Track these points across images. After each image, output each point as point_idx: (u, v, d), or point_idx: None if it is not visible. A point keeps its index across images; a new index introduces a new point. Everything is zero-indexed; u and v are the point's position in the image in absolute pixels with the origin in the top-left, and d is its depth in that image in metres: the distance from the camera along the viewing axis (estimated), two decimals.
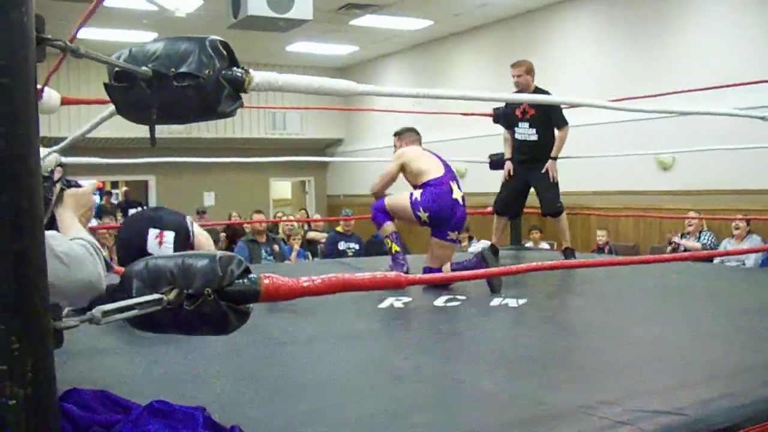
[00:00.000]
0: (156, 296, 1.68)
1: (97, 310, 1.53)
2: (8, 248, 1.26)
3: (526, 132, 6.77)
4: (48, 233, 1.81)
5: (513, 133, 6.86)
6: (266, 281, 1.77)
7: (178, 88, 1.80)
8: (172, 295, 1.69)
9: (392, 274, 2.12)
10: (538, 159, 6.69)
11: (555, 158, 6.73)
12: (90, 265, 1.83)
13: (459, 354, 3.27)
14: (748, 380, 2.70)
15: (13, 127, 1.26)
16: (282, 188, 20.31)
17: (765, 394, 2.51)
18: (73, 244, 1.87)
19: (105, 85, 1.90)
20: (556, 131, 6.76)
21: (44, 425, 1.31)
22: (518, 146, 6.84)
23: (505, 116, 6.84)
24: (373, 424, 2.34)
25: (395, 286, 2.14)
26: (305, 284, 1.84)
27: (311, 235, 12.29)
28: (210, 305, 1.70)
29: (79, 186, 2.17)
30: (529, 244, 10.29)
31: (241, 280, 1.74)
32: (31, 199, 1.28)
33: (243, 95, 1.92)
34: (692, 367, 2.97)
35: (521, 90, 6.57)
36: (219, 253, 1.79)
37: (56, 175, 2.16)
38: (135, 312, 1.65)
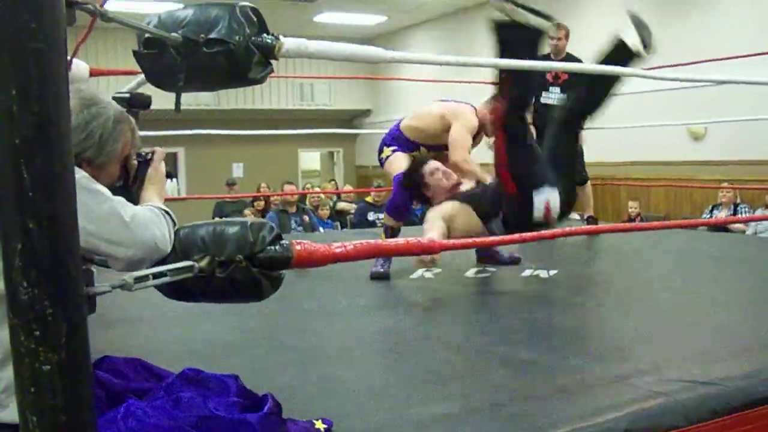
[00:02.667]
0: (188, 263, 1.68)
1: (129, 276, 1.53)
2: (42, 213, 1.25)
3: (558, 97, 6.65)
4: (117, 200, 1.82)
5: (538, 97, 6.68)
6: (298, 247, 1.75)
7: (208, 55, 1.79)
8: (204, 263, 1.69)
9: (425, 238, 2.11)
10: None
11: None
12: (156, 228, 1.83)
13: (491, 325, 3.26)
14: None
15: (46, 91, 1.25)
16: (311, 159, 20.31)
17: None
18: (139, 209, 1.87)
19: (134, 52, 1.89)
20: None
21: (79, 391, 1.31)
22: (545, 112, 6.59)
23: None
24: (405, 394, 2.33)
25: (428, 251, 2.13)
26: (337, 250, 1.82)
27: (341, 205, 12.28)
28: (242, 272, 1.69)
29: (150, 157, 2.17)
30: None
31: (272, 247, 1.73)
32: (63, 163, 1.27)
33: (273, 65, 1.91)
34: (727, 336, 2.93)
35: (556, 53, 6.52)
36: (250, 219, 1.78)
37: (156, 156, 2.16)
38: (167, 279, 1.65)
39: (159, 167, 2.14)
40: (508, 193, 3.80)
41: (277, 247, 1.73)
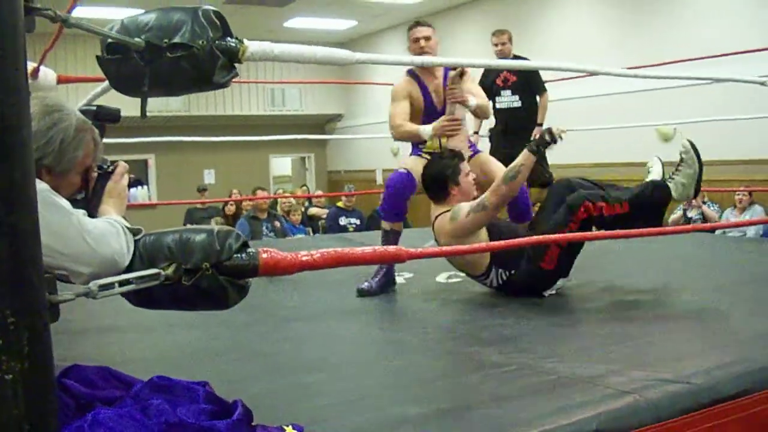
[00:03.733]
0: (154, 271, 1.67)
1: (94, 284, 1.52)
2: (2, 222, 1.24)
3: (509, 99, 6.76)
4: (78, 214, 1.80)
5: (494, 103, 6.75)
6: (265, 255, 1.75)
7: (172, 59, 1.78)
8: (170, 270, 1.68)
9: (392, 247, 2.10)
10: (523, 127, 6.69)
11: (541, 125, 6.75)
12: (114, 242, 1.82)
13: (463, 327, 3.26)
14: (752, 348, 2.69)
15: (5, 98, 1.24)
16: (282, 165, 20.26)
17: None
18: (100, 223, 1.86)
19: (97, 57, 1.88)
20: (537, 98, 6.84)
21: (42, 399, 1.30)
22: (501, 116, 6.80)
23: (484, 87, 6.44)
24: (378, 397, 2.33)
25: (395, 260, 2.12)
26: (304, 258, 1.82)
27: (312, 211, 12.26)
28: (208, 280, 1.69)
29: (111, 170, 2.14)
30: None
31: (239, 255, 1.72)
32: (24, 172, 1.26)
33: (243, 71, 1.90)
34: (698, 336, 2.96)
35: (502, 58, 6.63)
36: (217, 227, 1.77)
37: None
38: (132, 286, 1.64)
39: (120, 181, 2.11)
40: (542, 265, 3.71)
41: (244, 256, 1.73)
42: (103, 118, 2.16)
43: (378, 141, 15.65)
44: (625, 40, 10.94)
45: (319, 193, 15.20)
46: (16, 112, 1.25)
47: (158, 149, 15.86)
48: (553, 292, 3.82)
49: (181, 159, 16.08)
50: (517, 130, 6.70)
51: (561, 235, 3.48)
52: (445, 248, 3.29)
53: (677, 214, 9.56)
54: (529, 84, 6.77)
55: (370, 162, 16.38)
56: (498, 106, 6.77)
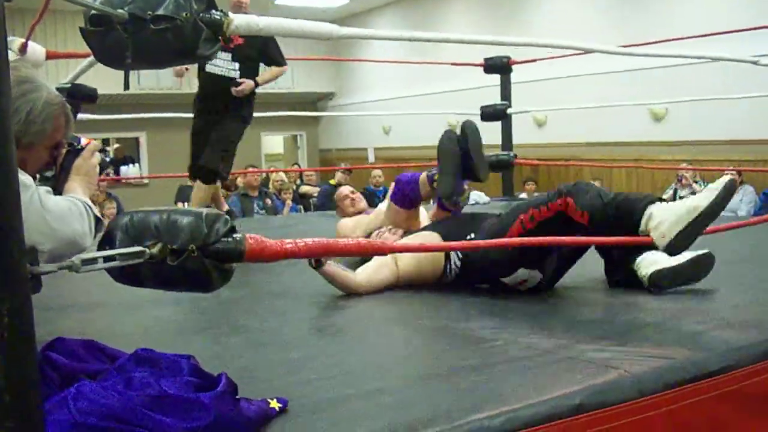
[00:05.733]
0: (138, 249, 1.67)
1: (77, 258, 1.52)
2: None
3: (226, 65, 5.30)
4: (41, 191, 1.80)
5: (203, 66, 5.32)
6: (251, 241, 1.76)
7: (155, 32, 1.78)
8: (155, 249, 1.68)
9: (376, 241, 2.11)
10: (231, 102, 5.32)
11: (258, 84, 5.43)
12: (75, 222, 1.82)
13: (448, 304, 3.24)
14: (736, 325, 2.70)
15: None
16: (274, 143, 20.23)
17: (757, 336, 2.50)
18: (60, 200, 1.85)
19: (81, 29, 1.87)
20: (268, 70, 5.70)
21: (23, 371, 1.30)
22: (208, 83, 5.36)
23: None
24: (361, 372, 2.33)
25: (378, 253, 2.12)
26: (289, 247, 1.83)
27: (304, 189, 12.26)
28: (193, 262, 1.69)
29: (81, 147, 2.13)
30: (523, 196, 10.26)
31: (226, 239, 1.73)
32: (2, 141, 1.25)
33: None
34: (683, 313, 2.96)
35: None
36: (205, 210, 1.77)
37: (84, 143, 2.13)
38: (116, 263, 1.64)
39: (90, 158, 2.10)
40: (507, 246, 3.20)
41: (230, 240, 1.73)
42: (79, 96, 2.16)
43: (370, 119, 15.71)
44: (617, 19, 10.92)
45: (310, 168, 15.20)
46: None
47: (150, 127, 15.82)
48: (525, 280, 3.37)
49: (173, 137, 15.92)
50: (223, 103, 5.33)
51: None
52: (432, 244, 3.29)
53: (668, 194, 9.59)
54: (260, 54, 5.49)
55: (361, 140, 16.38)
56: (207, 69, 5.30)
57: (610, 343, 2.47)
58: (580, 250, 3.38)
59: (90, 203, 1.95)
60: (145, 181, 15.87)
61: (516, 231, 3.18)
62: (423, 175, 3.88)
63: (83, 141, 2.13)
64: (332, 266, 3.40)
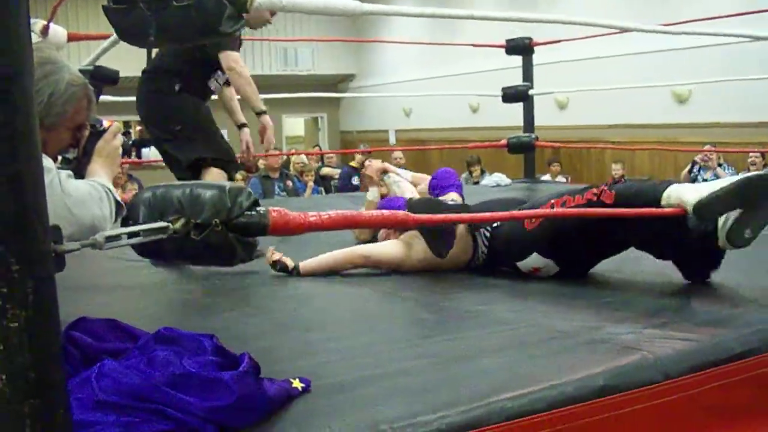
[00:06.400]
0: (162, 224, 1.66)
1: (100, 235, 1.52)
2: (5, 170, 1.23)
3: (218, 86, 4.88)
4: (62, 174, 1.80)
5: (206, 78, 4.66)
6: (275, 215, 1.75)
7: (178, 8, 1.77)
8: (178, 224, 1.68)
9: (400, 212, 2.10)
10: None
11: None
12: (95, 207, 1.82)
13: (470, 286, 3.23)
14: (763, 308, 2.68)
15: (7, 43, 1.22)
16: (295, 125, 20.22)
17: None
18: (80, 184, 1.85)
19: (104, 7, 1.87)
20: None
21: (48, 348, 1.30)
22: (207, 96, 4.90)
23: None
24: (381, 353, 2.33)
25: (402, 225, 2.11)
26: (312, 219, 1.82)
27: (325, 170, 12.26)
28: (217, 236, 1.69)
29: (103, 129, 2.13)
30: (546, 177, 10.22)
31: (249, 212, 1.72)
32: (26, 120, 1.25)
33: (256, 30, 1.88)
34: (709, 295, 2.94)
35: None
36: (228, 184, 1.77)
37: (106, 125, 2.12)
38: (140, 239, 1.63)
39: (111, 140, 2.09)
40: (526, 225, 3.21)
41: (254, 214, 1.73)
42: (101, 78, 2.15)
43: (391, 101, 15.67)
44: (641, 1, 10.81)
45: (329, 150, 15.20)
46: (18, 60, 1.23)
47: None
48: (539, 268, 3.31)
49: None
50: None
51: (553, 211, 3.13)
52: (454, 216, 3.24)
53: (684, 172, 9.51)
54: None
55: (383, 122, 16.36)
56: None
57: (634, 325, 2.45)
58: (610, 246, 3.27)
59: (111, 187, 1.95)
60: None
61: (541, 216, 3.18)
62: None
63: (105, 123, 2.13)
64: (309, 261, 3.46)
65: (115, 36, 2.06)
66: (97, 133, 2.08)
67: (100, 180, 1.96)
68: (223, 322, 2.71)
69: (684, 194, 2.70)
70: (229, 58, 4.10)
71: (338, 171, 11.92)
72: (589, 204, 2.97)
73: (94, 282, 3.42)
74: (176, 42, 1.99)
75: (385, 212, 2.03)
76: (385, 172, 4.25)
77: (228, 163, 4.52)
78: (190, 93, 4.29)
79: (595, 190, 3.01)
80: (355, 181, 10.39)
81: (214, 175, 4.41)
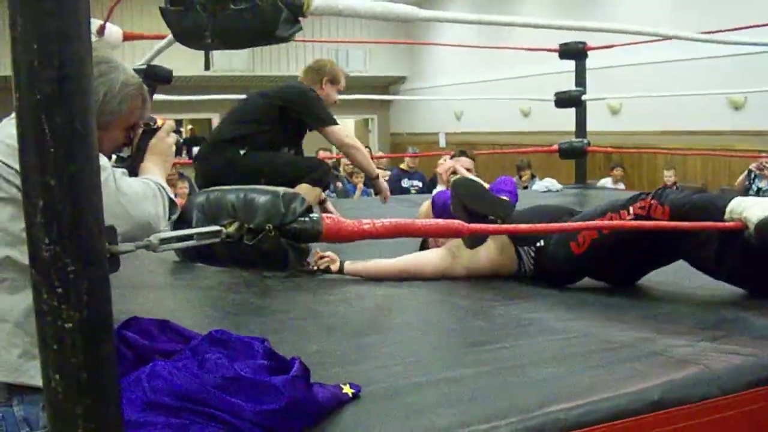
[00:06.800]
0: (215, 228, 1.66)
1: (155, 237, 1.51)
2: (63, 171, 1.24)
3: None
4: (117, 173, 1.80)
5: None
6: (328, 221, 1.74)
7: (235, 12, 1.77)
8: (231, 228, 1.67)
9: (454, 222, 2.07)
10: None
11: None
12: (149, 205, 1.82)
13: (522, 294, 3.19)
14: None
15: (66, 46, 1.23)
16: (345, 126, 20.25)
17: None
18: (135, 183, 1.85)
19: (161, 9, 1.87)
20: None
21: (101, 349, 1.30)
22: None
23: None
24: (433, 360, 2.31)
25: (455, 235, 2.09)
26: (366, 227, 1.81)
27: None
28: (270, 241, 1.68)
29: (156, 127, 2.13)
30: (604, 182, 10.08)
31: (303, 219, 1.71)
32: (84, 120, 1.25)
33: (306, 29, 1.87)
34: (763, 307, 2.87)
35: None
36: (282, 189, 1.76)
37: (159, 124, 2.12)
38: (193, 242, 1.63)
39: (165, 138, 2.09)
40: (571, 244, 3.14)
41: (307, 220, 1.71)
42: (154, 77, 2.16)
43: (442, 103, 15.63)
44: (699, 5, 10.65)
45: (381, 154, 15.19)
46: (77, 60, 1.24)
47: (222, 108, 15.89)
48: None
49: None
50: None
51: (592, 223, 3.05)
52: (504, 226, 3.19)
53: (742, 177, 9.33)
54: None
55: (433, 125, 16.30)
56: None
57: (690, 338, 2.40)
58: (656, 259, 3.18)
59: (164, 185, 1.95)
60: None
61: (590, 235, 3.09)
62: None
63: (159, 121, 2.13)
64: (356, 265, 3.47)
65: (170, 37, 2.06)
66: (151, 130, 2.08)
67: (153, 178, 1.96)
68: (273, 325, 2.71)
69: (749, 209, 2.61)
70: (338, 134, 4.20)
71: (388, 173, 11.90)
72: (639, 220, 2.89)
73: (143, 280, 3.44)
74: (232, 45, 1.98)
75: (440, 222, 2.00)
76: (454, 172, 4.23)
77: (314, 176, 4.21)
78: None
79: (641, 204, 2.93)
80: (405, 183, 10.36)
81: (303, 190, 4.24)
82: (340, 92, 4.49)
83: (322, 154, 10.57)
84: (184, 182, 10.52)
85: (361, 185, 10.48)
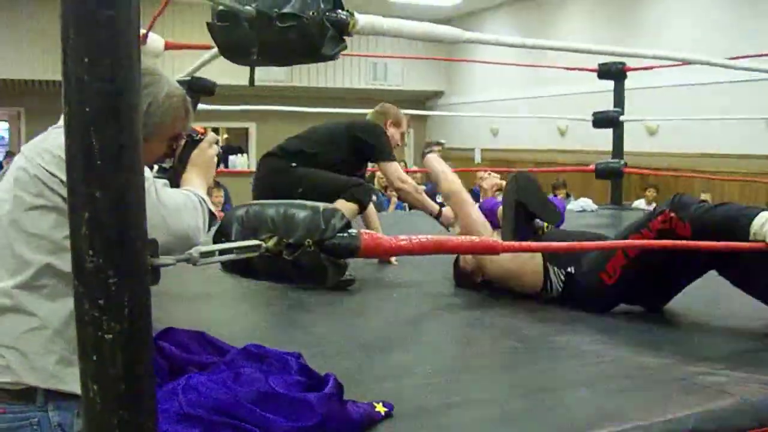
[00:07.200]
0: (255, 242, 1.66)
1: (195, 250, 1.52)
2: (110, 183, 1.25)
3: None
4: (158, 183, 1.82)
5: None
6: (366, 237, 1.74)
7: (281, 29, 1.77)
8: (271, 243, 1.67)
9: (490, 239, 2.07)
10: None
11: None
12: (189, 217, 1.84)
13: (550, 316, 3.16)
14: None
15: (117, 60, 1.24)
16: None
17: None
18: (176, 194, 1.87)
19: (208, 24, 1.88)
20: None
21: (139, 361, 1.31)
22: None
23: None
24: (466, 380, 2.30)
25: (491, 252, 2.09)
26: (403, 243, 1.81)
27: None
28: (309, 256, 1.68)
29: (199, 138, 2.14)
30: (638, 203, 10.01)
31: (342, 234, 1.71)
32: (132, 134, 1.26)
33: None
34: None
35: None
36: (322, 205, 1.76)
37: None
38: (233, 256, 1.64)
39: (207, 150, 2.10)
40: (601, 275, 3.10)
41: (346, 236, 1.71)
42: (198, 89, 2.17)
43: (478, 119, 15.60)
44: (743, 25, 10.54)
45: (415, 168, 15.18)
46: (126, 76, 1.25)
47: (259, 118, 16.04)
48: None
49: (281, 128, 16.02)
50: None
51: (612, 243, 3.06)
52: (536, 243, 3.18)
53: None
54: None
55: (469, 140, 16.27)
56: None
57: (725, 366, 2.37)
58: (687, 275, 3.12)
59: (205, 197, 1.96)
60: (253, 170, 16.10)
61: (619, 263, 3.05)
62: (500, 209, 3.79)
63: (200, 133, 2.15)
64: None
65: (215, 50, 2.08)
66: (193, 142, 2.09)
67: (195, 190, 1.97)
68: (307, 339, 2.72)
69: None
70: (394, 174, 4.27)
71: (423, 187, 11.90)
72: (662, 235, 2.85)
73: (181, 289, 3.46)
74: (278, 62, 1.99)
75: (475, 239, 2.00)
76: (499, 189, 4.25)
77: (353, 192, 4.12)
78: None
79: (661, 218, 2.88)
80: (439, 198, 10.35)
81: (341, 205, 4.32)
82: (402, 136, 4.66)
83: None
84: (219, 191, 10.61)
85: (395, 199, 10.49)
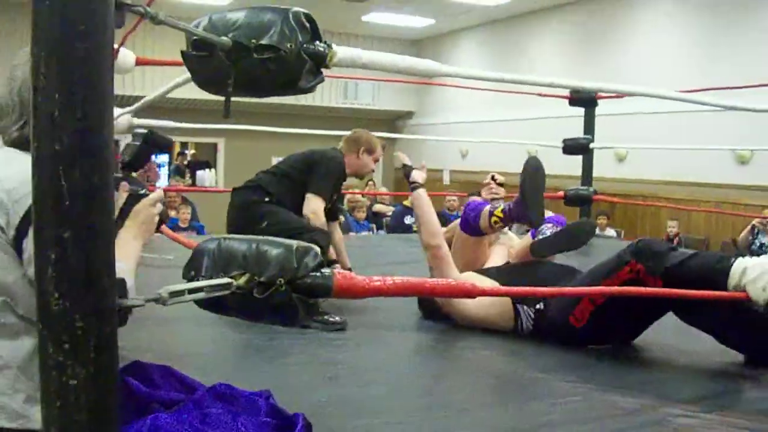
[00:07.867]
0: (226, 280, 1.62)
1: (165, 291, 1.48)
2: (78, 224, 1.21)
3: None
4: None
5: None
6: (339, 277, 1.70)
7: (258, 61, 1.73)
8: (242, 281, 1.63)
9: (466, 283, 2.04)
10: None
11: None
12: None
13: (526, 352, 3.14)
14: None
15: (90, 95, 1.20)
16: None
17: None
18: None
19: (182, 53, 1.84)
20: None
21: (105, 407, 1.27)
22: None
23: None
24: (444, 415, 2.27)
25: (466, 296, 2.06)
26: (377, 284, 1.77)
27: (377, 207, 12.21)
28: (281, 296, 1.64)
29: (143, 193, 2.04)
30: (610, 232, 10.09)
31: (314, 274, 1.67)
32: (103, 174, 1.22)
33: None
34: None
35: None
36: (295, 243, 1.72)
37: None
38: (203, 294, 1.59)
39: (149, 207, 1.98)
40: (570, 319, 3.08)
41: (319, 275, 1.67)
42: (154, 144, 2.09)
43: (447, 141, 15.64)
44: (712, 54, 10.66)
45: (384, 190, 15.18)
46: (99, 113, 1.21)
47: (228, 134, 15.94)
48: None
49: (250, 145, 16.10)
50: None
51: (580, 289, 3.04)
52: (514, 289, 3.15)
53: (745, 231, 9.31)
54: None
55: (438, 161, 16.30)
56: None
57: (700, 408, 2.36)
58: (656, 315, 3.10)
59: (130, 266, 1.85)
60: (221, 186, 16.00)
61: (587, 309, 3.03)
62: (486, 208, 3.79)
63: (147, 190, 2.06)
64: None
65: (188, 75, 2.03)
66: (138, 196, 2.00)
67: (119, 265, 1.87)
68: (277, 370, 2.67)
69: (753, 283, 2.53)
70: (311, 206, 4.10)
71: (391, 209, 11.87)
72: (630, 284, 2.80)
73: (147, 313, 3.38)
74: (254, 94, 1.95)
75: (452, 282, 1.97)
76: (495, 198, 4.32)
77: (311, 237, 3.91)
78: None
79: (627, 269, 2.85)
80: (408, 220, 10.32)
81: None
82: (376, 161, 4.69)
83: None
84: (187, 207, 10.53)
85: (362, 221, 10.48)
